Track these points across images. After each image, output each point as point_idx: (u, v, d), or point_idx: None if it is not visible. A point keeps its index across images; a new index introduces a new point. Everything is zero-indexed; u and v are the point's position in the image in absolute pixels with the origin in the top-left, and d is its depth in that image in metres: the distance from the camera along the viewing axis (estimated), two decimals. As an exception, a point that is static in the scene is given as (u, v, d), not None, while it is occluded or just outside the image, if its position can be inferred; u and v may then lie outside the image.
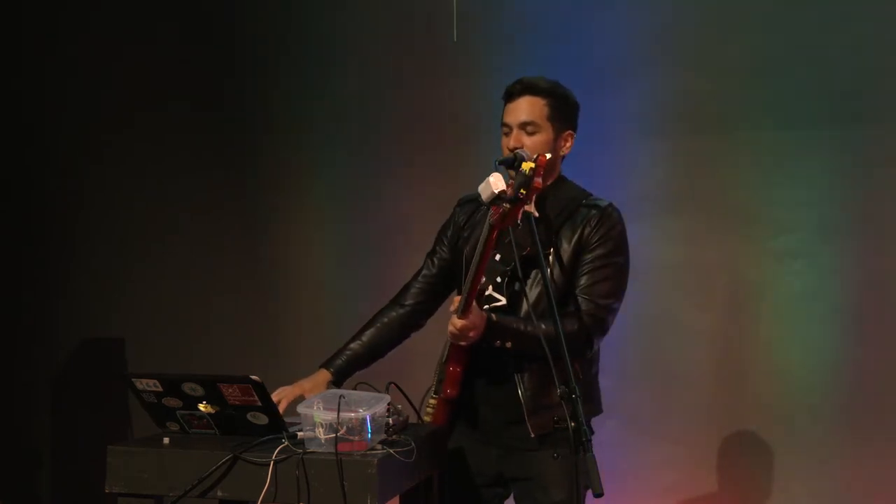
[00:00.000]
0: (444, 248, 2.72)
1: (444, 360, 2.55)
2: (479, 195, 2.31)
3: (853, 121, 3.55)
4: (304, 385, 2.54)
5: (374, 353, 2.66)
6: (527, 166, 2.20)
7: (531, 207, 2.23)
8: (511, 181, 2.26)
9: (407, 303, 2.71)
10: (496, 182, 2.20)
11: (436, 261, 2.72)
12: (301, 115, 4.28)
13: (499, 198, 2.21)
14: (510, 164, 2.39)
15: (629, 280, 2.59)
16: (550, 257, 2.46)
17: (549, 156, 2.31)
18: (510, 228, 2.29)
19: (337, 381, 2.59)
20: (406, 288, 2.74)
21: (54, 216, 4.64)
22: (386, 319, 2.69)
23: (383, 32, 4.15)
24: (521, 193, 2.18)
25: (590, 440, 2.10)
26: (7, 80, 4.70)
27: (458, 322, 2.36)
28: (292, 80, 4.29)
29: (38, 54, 4.65)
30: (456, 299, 2.39)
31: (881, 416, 3.51)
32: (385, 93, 4.14)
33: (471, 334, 2.37)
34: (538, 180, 2.21)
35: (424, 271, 2.73)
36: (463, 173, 3.82)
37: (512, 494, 2.63)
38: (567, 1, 3.86)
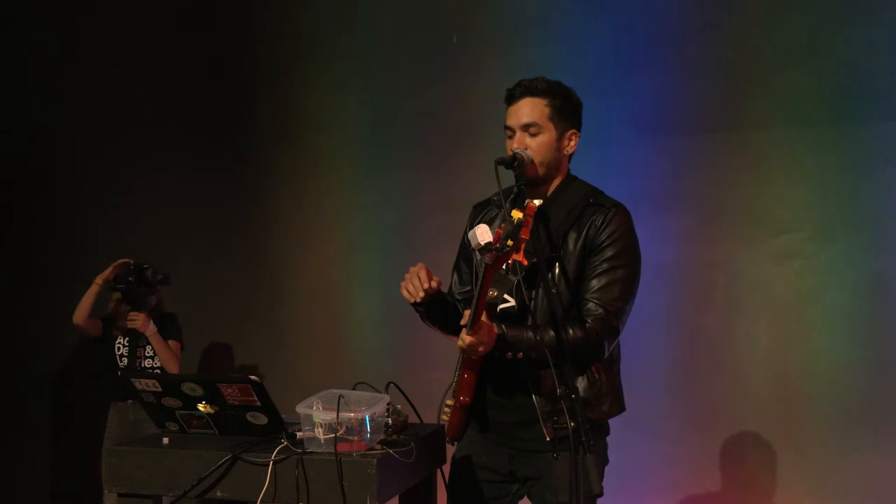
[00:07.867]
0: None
1: (459, 365, 2.56)
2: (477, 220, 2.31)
3: (853, 121, 3.55)
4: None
5: (446, 307, 2.61)
6: (516, 215, 2.20)
7: (520, 256, 2.23)
8: (499, 229, 2.24)
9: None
10: (482, 234, 2.20)
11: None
12: (302, 116, 4.28)
13: (486, 248, 2.21)
14: (509, 164, 2.40)
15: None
16: (557, 264, 2.46)
17: (538, 202, 2.30)
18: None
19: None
20: (450, 292, 2.74)
21: (56, 217, 4.65)
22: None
23: (384, 33, 4.15)
24: (508, 245, 2.19)
25: (590, 440, 2.10)
26: (9, 81, 4.70)
27: (466, 338, 2.35)
28: (295, 83, 4.29)
29: (43, 54, 4.65)
30: (466, 313, 2.38)
31: (881, 415, 3.50)
32: (385, 93, 4.14)
33: (480, 349, 2.37)
34: (526, 230, 2.21)
35: (464, 278, 2.72)
36: (463, 173, 3.83)
37: (527, 494, 2.64)
38: (567, 1, 3.86)
